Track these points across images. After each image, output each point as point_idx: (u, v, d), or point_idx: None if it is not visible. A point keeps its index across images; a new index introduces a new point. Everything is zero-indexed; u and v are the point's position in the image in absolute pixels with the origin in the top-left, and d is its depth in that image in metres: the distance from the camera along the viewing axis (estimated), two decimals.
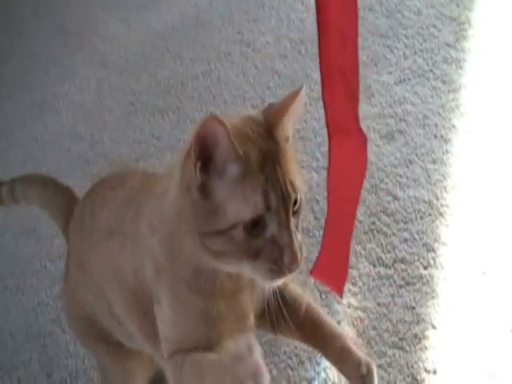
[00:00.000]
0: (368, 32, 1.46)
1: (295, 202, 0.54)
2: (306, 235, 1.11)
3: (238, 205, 0.52)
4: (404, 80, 1.30)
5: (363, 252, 1.05)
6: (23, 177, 0.89)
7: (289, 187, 0.54)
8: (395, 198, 1.10)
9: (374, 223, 1.08)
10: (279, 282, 0.55)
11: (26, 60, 1.95)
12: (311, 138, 1.29)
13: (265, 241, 0.53)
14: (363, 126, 1.24)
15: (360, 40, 1.43)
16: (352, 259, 1.04)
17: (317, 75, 1.43)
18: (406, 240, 1.03)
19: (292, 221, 0.54)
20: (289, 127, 0.56)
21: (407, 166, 1.14)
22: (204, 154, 0.52)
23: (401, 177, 1.13)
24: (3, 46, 2.00)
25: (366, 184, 1.15)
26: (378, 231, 1.06)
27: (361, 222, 1.09)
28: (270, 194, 0.52)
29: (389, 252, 1.03)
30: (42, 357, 1.13)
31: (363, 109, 1.31)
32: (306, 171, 1.23)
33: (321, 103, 1.33)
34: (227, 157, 0.52)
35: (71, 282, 0.80)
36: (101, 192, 0.75)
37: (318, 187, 1.18)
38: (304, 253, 0.54)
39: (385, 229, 1.06)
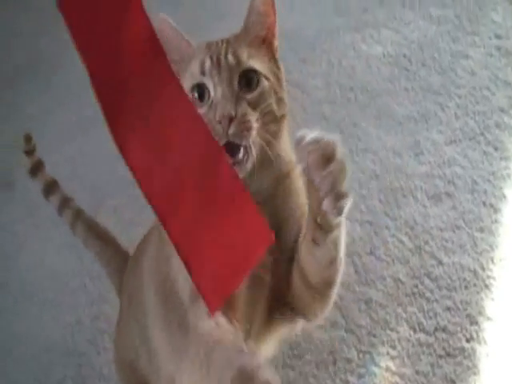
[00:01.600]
0: (419, 87, 1.48)
1: (247, 76, 0.58)
2: (346, 289, 1.11)
3: (186, 78, 0.60)
4: (454, 141, 1.31)
5: (404, 315, 1.05)
6: (89, 222, 0.92)
7: (229, 56, 0.58)
8: (440, 262, 1.10)
9: (416, 286, 1.08)
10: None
11: (77, 72, 2.01)
12: (356, 189, 1.30)
13: (208, 107, 0.57)
14: (410, 184, 1.28)
15: (411, 95, 1.48)
16: (392, 321, 1.05)
17: (365, 124, 1.47)
18: (448, 308, 1.03)
19: (235, 89, 0.57)
20: (254, 23, 0.63)
21: (454, 231, 1.14)
22: (171, 54, 0.60)
23: (446, 241, 1.13)
24: (56, 57, 2.06)
25: (409, 244, 1.16)
26: (420, 295, 1.06)
27: (403, 283, 1.09)
28: (206, 61, 0.58)
29: (430, 318, 1.03)
30: (76, 376, 1.16)
31: (410, 165, 1.33)
32: (348, 223, 1.23)
33: (368, 155, 1.37)
34: (181, 45, 0.62)
35: (120, 329, 0.83)
36: (158, 232, 0.78)
37: (360, 241, 1.19)
38: (248, 122, 0.55)
39: (427, 293, 1.06)
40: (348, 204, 0.49)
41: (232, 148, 0.55)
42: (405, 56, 1.57)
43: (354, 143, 1.41)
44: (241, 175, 0.57)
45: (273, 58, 0.65)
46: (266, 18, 0.63)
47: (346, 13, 1.77)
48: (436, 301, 1.05)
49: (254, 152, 0.56)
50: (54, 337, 1.24)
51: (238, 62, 0.58)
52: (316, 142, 0.47)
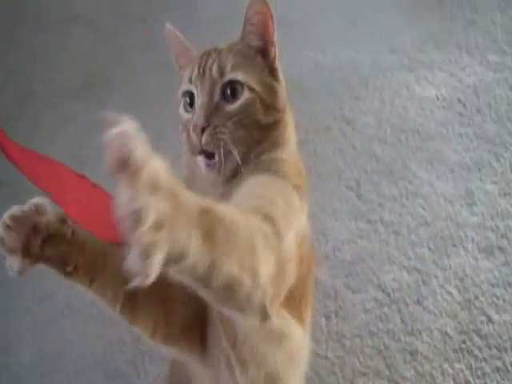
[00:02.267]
0: (474, 134, 1.47)
1: (231, 87, 0.63)
2: (391, 338, 1.11)
3: (182, 85, 0.67)
4: (509, 193, 1.29)
5: (450, 371, 1.03)
6: None
7: (213, 68, 0.63)
8: (490, 320, 1.08)
9: (464, 342, 1.06)
10: (196, 152, 0.62)
11: (133, 95, 2.08)
12: (404, 233, 1.29)
13: (193, 114, 0.63)
14: (461, 234, 1.26)
15: (465, 141, 1.47)
16: (438, 376, 1.03)
17: (416, 168, 1.47)
18: (498, 369, 1.01)
19: (214, 100, 0.62)
20: (249, 33, 0.66)
21: (505, 289, 1.12)
22: (178, 61, 0.71)
23: (497, 298, 1.11)
24: (116, 78, 2.15)
25: (458, 297, 1.15)
26: (468, 352, 1.05)
27: (450, 337, 1.08)
28: (194, 70, 0.64)
29: (478, 378, 1.01)
30: None
31: (462, 215, 1.32)
32: (396, 268, 1.23)
33: (418, 200, 1.37)
34: (184, 52, 0.70)
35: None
36: None
37: (408, 288, 1.18)
38: (220, 134, 0.60)
39: (476, 351, 1.04)
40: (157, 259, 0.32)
41: (209, 154, 0.62)
42: (459, 100, 1.57)
43: (403, 186, 1.41)
44: (217, 179, 0.63)
45: (269, 68, 0.66)
46: (262, 28, 0.64)
47: (400, 51, 1.78)
48: (485, 360, 1.03)
49: (229, 158, 0.62)
50: (96, 354, 1.28)
51: (221, 73, 0.63)
52: (122, 135, 0.32)
